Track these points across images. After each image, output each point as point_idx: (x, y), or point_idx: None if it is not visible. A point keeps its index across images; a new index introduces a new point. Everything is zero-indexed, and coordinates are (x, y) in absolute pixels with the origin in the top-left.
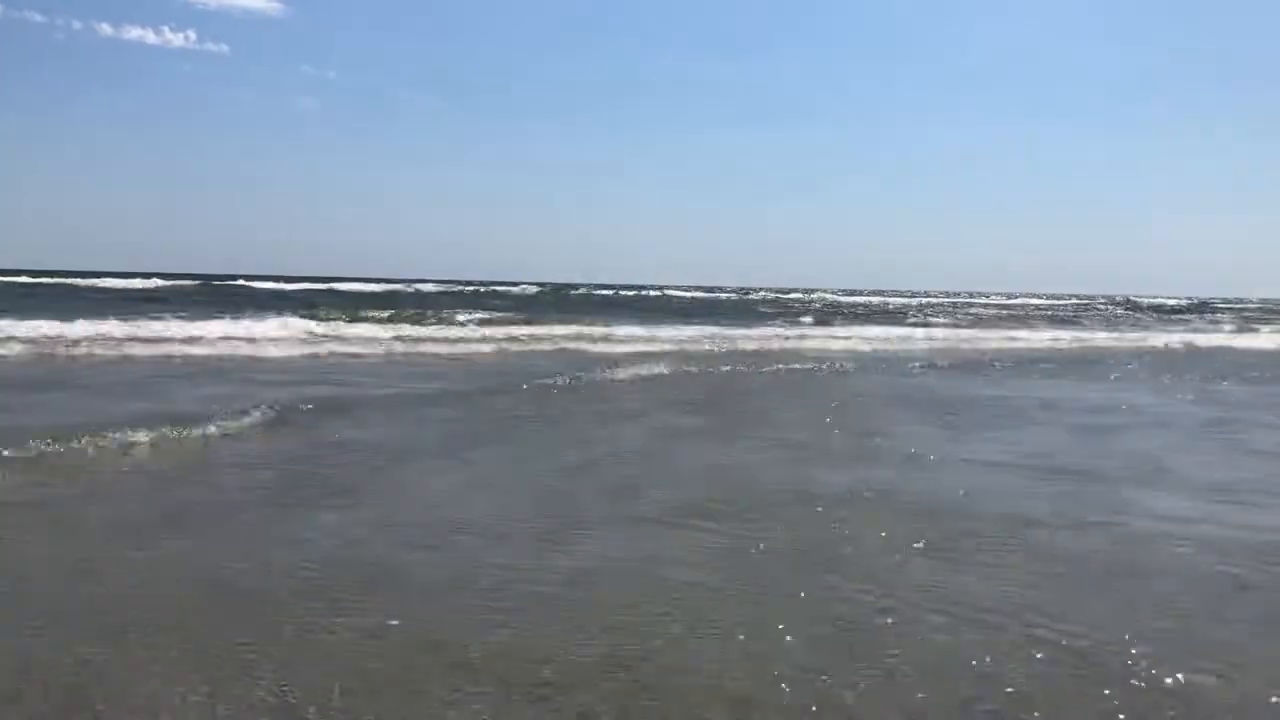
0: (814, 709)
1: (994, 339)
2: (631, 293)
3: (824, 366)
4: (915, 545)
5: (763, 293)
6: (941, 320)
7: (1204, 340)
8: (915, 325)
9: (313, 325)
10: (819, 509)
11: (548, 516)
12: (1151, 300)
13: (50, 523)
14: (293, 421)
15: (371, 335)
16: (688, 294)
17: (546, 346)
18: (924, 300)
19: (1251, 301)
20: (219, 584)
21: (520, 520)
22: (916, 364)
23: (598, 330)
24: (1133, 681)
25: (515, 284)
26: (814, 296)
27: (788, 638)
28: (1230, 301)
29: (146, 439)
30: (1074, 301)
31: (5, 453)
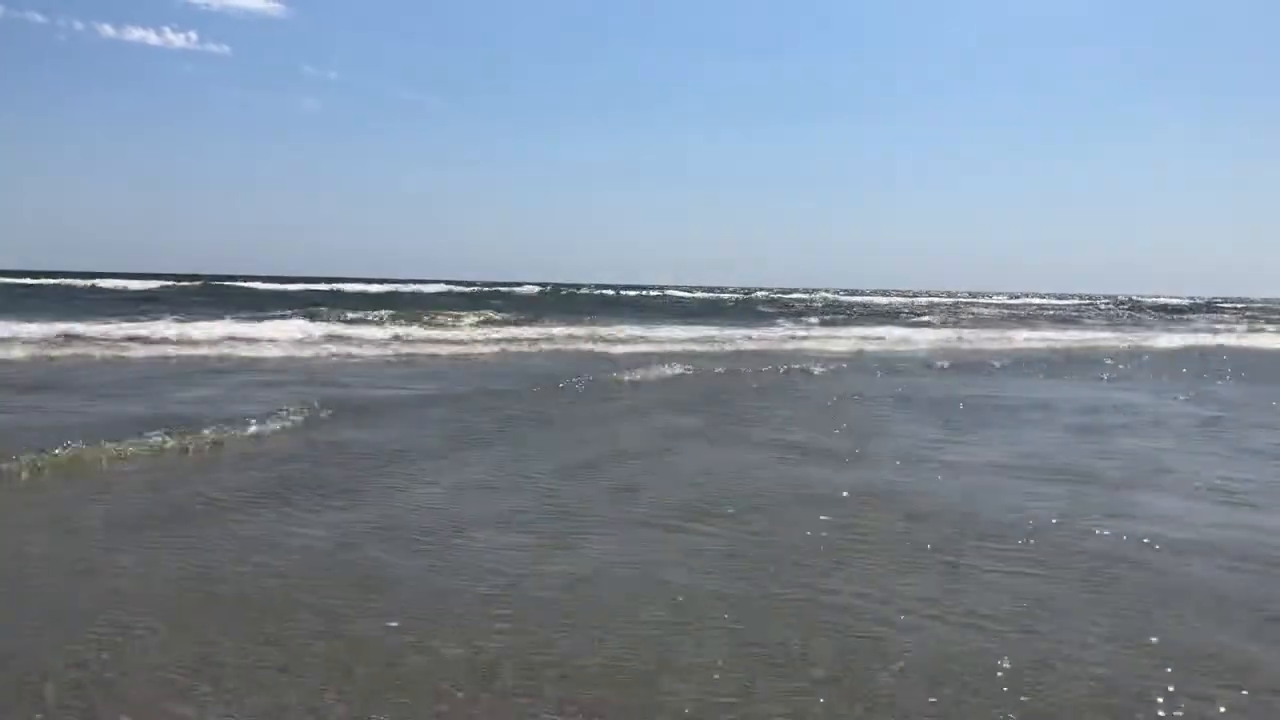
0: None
1: (1002, 339)
2: (633, 293)
3: (832, 367)
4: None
5: (762, 293)
6: (946, 320)
7: (1210, 340)
8: (920, 326)
9: (324, 326)
10: (847, 511)
11: (604, 517)
12: (1155, 300)
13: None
14: (327, 423)
15: (380, 336)
16: (688, 294)
17: (558, 348)
18: (928, 300)
19: (1255, 301)
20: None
21: (580, 520)
22: (926, 365)
23: (603, 331)
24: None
25: (517, 284)
26: (815, 296)
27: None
28: (1231, 301)
29: (210, 436)
30: (1076, 301)
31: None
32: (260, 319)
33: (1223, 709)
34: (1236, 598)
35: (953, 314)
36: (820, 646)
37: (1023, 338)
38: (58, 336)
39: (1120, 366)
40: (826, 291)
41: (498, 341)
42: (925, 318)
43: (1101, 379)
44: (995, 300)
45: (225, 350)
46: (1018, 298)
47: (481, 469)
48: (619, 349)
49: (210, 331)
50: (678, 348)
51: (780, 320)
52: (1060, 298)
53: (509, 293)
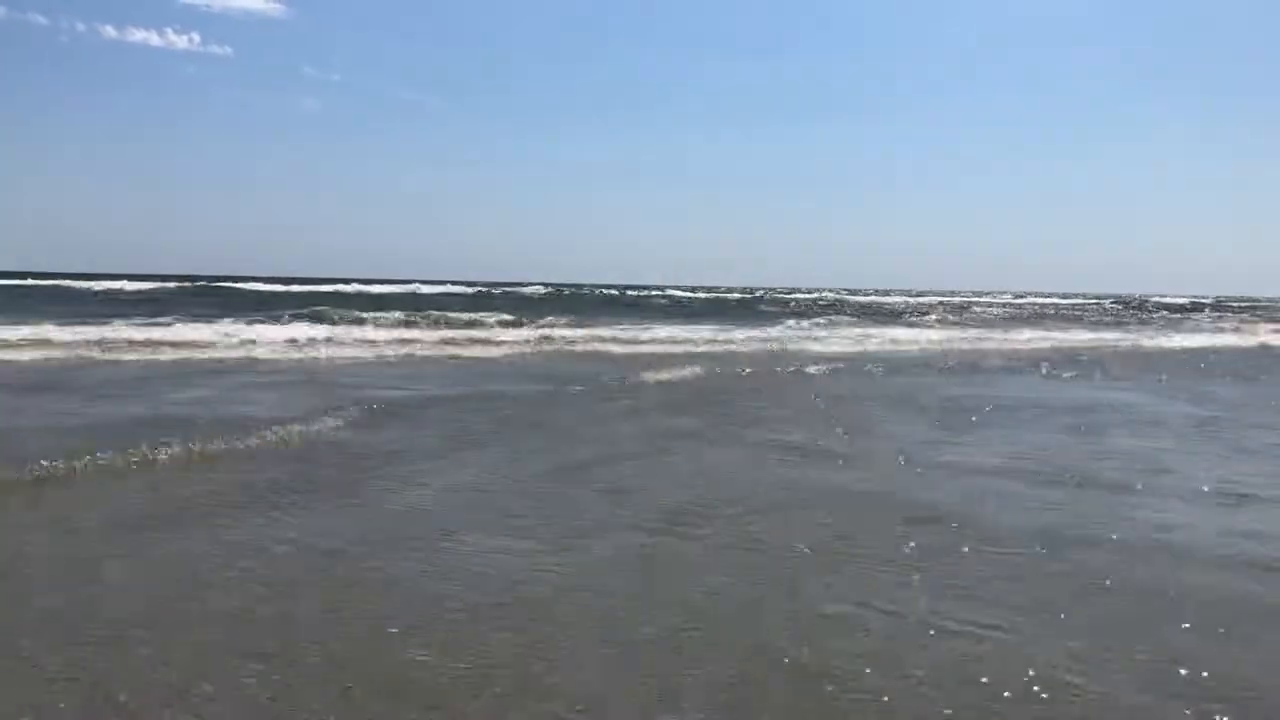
0: None
1: (1016, 339)
2: (636, 293)
3: (843, 367)
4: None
5: (762, 292)
6: (954, 320)
7: (1239, 340)
8: (927, 326)
9: (341, 329)
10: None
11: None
12: (1161, 299)
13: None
14: (371, 422)
15: (395, 338)
16: (692, 294)
17: (576, 349)
18: (935, 300)
19: (1261, 300)
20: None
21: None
22: (940, 366)
23: (619, 332)
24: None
25: (519, 284)
26: (818, 295)
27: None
28: (1235, 299)
29: (277, 433)
30: (1080, 300)
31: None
32: (276, 320)
33: None
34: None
35: (960, 313)
36: (825, 652)
37: (1031, 338)
38: (99, 341)
39: (1162, 374)
40: (829, 291)
41: (517, 343)
42: (931, 317)
43: (1139, 381)
44: (1002, 300)
45: (246, 353)
46: (1022, 297)
47: (566, 471)
48: (640, 349)
49: (227, 334)
50: (693, 349)
51: (787, 320)
52: (1065, 296)
53: (515, 293)
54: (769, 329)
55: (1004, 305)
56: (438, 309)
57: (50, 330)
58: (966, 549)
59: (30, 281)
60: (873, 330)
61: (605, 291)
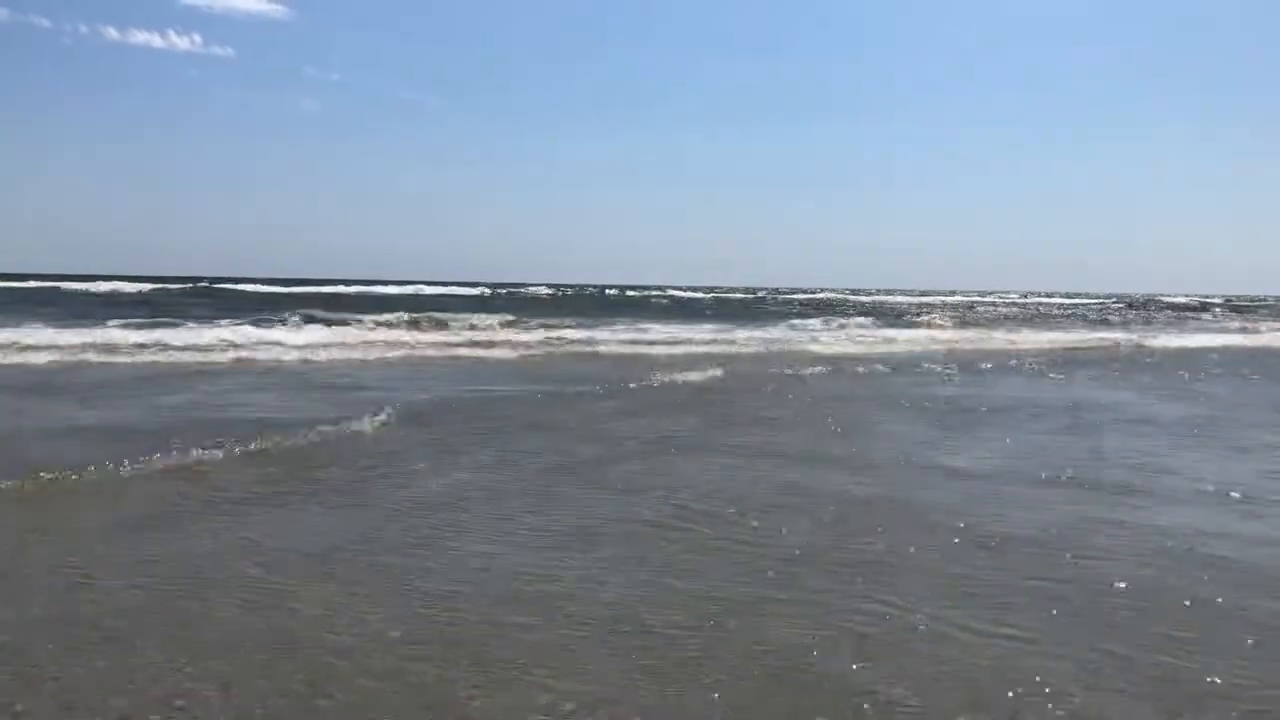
0: None
1: (1022, 340)
2: (634, 293)
3: (861, 369)
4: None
5: (763, 293)
6: (965, 320)
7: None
8: (934, 327)
9: (344, 331)
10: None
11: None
12: (1168, 299)
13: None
14: (417, 420)
15: (410, 339)
16: (691, 294)
17: (588, 351)
18: (938, 300)
19: (1267, 298)
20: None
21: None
22: (948, 366)
23: (612, 333)
24: None
25: (521, 285)
26: (821, 296)
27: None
28: (1240, 298)
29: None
30: (1083, 300)
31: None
32: (281, 322)
33: None
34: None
35: (963, 314)
36: (834, 656)
37: (1036, 339)
38: (134, 344)
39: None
40: (831, 291)
41: (533, 345)
42: (935, 317)
43: (1131, 380)
44: (1006, 299)
45: (255, 355)
46: (1027, 296)
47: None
48: (648, 351)
49: (224, 338)
50: (713, 350)
51: (790, 320)
52: (1069, 296)
53: (518, 294)
54: (771, 329)
55: (1009, 305)
56: (439, 310)
57: (68, 335)
58: (1010, 558)
59: (33, 284)
60: (880, 332)
61: (607, 292)
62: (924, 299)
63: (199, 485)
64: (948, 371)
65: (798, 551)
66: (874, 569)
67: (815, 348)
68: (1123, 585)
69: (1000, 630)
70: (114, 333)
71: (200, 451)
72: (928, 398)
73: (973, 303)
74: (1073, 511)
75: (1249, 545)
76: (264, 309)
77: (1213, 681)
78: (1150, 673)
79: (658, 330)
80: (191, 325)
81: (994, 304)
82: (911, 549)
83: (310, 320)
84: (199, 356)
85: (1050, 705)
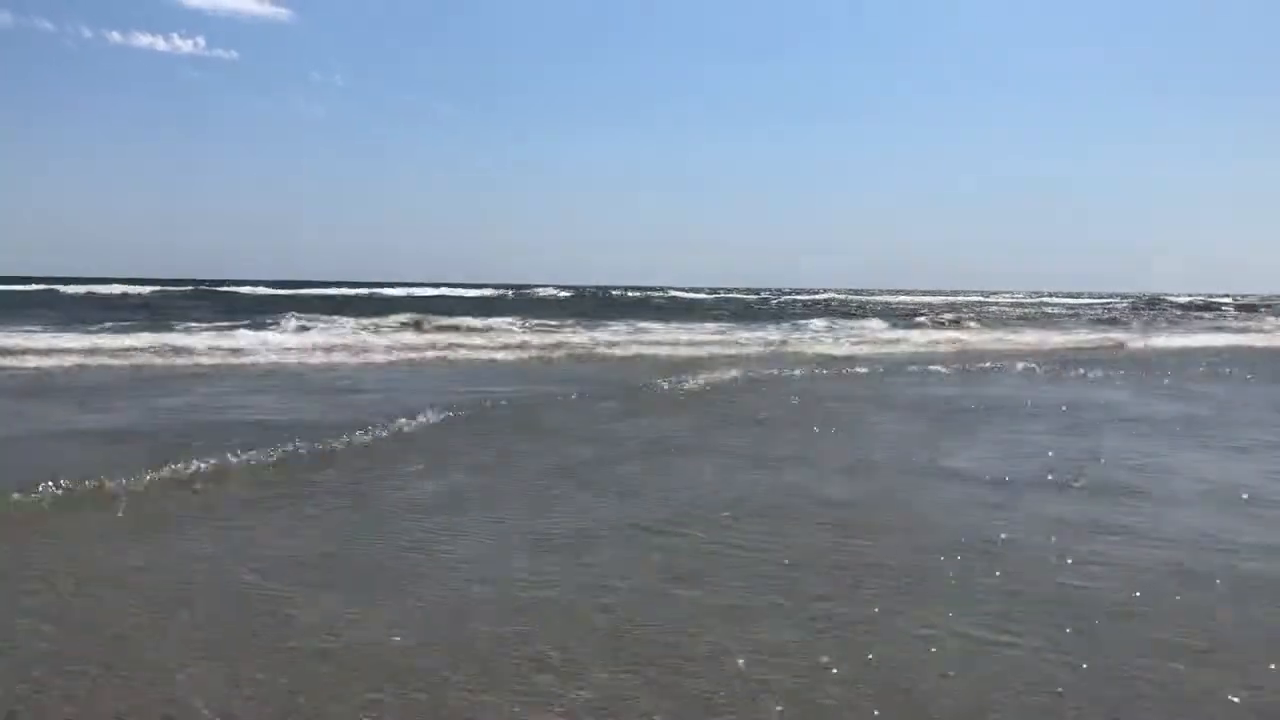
0: None
1: (1030, 341)
2: (640, 294)
3: (879, 369)
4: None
5: (765, 293)
6: (979, 322)
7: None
8: (934, 327)
9: (352, 334)
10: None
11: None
12: (1174, 298)
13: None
14: (467, 420)
15: (418, 341)
16: (696, 295)
17: (619, 353)
18: (941, 300)
19: (1274, 297)
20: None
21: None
22: (962, 367)
23: (615, 335)
24: None
25: (531, 287)
26: (825, 296)
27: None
28: (1250, 296)
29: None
30: (1087, 300)
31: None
32: (285, 326)
33: None
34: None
35: (973, 314)
36: (843, 662)
37: (1043, 339)
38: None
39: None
40: (835, 292)
41: (561, 347)
42: (942, 317)
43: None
44: (1009, 300)
45: (267, 359)
46: (1041, 296)
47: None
48: (665, 352)
49: (251, 339)
50: (727, 350)
51: (800, 321)
52: (1073, 295)
53: (527, 295)
54: (775, 331)
55: (1014, 304)
56: (439, 311)
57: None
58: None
59: (32, 286)
60: (884, 333)
61: (612, 293)
62: (927, 299)
63: (211, 491)
64: (952, 372)
65: (802, 556)
66: (876, 574)
67: (819, 349)
68: (1135, 594)
69: (1000, 638)
70: (109, 337)
71: (201, 464)
72: (930, 399)
73: (977, 302)
74: (1080, 514)
75: (1258, 552)
76: (266, 311)
77: (1231, 700)
78: (1163, 685)
79: (659, 331)
80: (184, 328)
81: (998, 304)
82: (917, 555)
83: (303, 327)
84: (192, 360)
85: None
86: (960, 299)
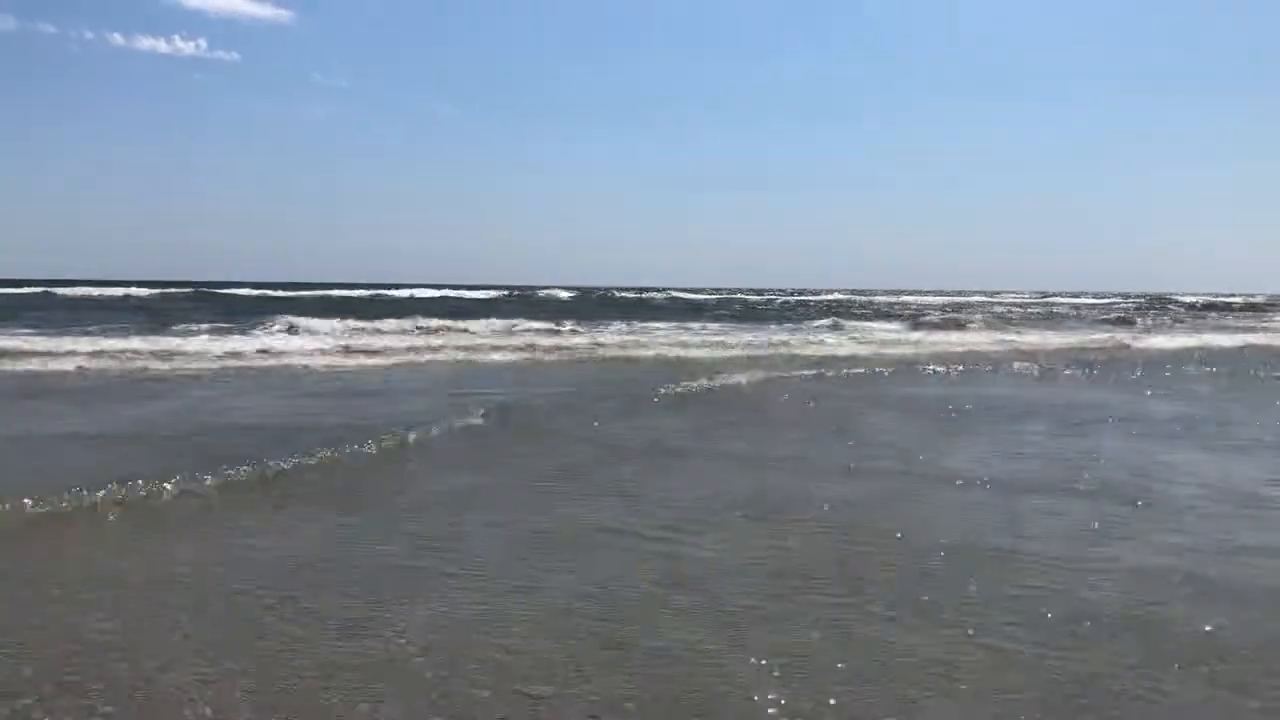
0: None
1: (1035, 340)
2: (637, 295)
3: (889, 371)
4: None
5: (768, 294)
6: (973, 321)
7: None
8: (941, 328)
9: (361, 337)
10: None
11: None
12: (1182, 298)
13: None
14: (511, 420)
15: (425, 344)
16: (698, 295)
17: (639, 354)
18: (947, 300)
19: None
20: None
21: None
22: (974, 367)
23: (619, 336)
24: None
25: (535, 288)
26: (829, 297)
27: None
28: (1257, 295)
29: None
30: (1090, 300)
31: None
32: (290, 328)
33: None
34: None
35: (978, 314)
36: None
37: (1049, 340)
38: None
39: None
40: (840, 292)
41: (564, 349)
42: (949, 317)
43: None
44: (1015, 300)
45: (277, 362)
46: (1047, 296)
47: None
48: (682, 353)
49: (250, 343)
50: (743, 352)
51: (805, 323)
52: (1075, 295)
53: (530, 296)
54: (780, 331)
55: (1021, 305)
56: (446, 313)
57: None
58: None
59: (27, 290)
60: (890, 334)
61: (640, 295)
62: (930, 299)
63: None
64: (956, 373)
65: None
66: (880, 579)
67: (823, 350)
68: (1141, 600)
69: (1001, 645)
70: (88, 341)
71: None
72: (934, 400)
73: (982, 303)
74: (1087, 517)
75: (1265, 559)
76: (266, 314)
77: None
78: (1167, 693)
79: (662, 332)
80: (181, 330)
81: (1003, 304)
82: (922, 560)
83: (292, 330)
84: (170, 365)
85: None
86: (964, 299)
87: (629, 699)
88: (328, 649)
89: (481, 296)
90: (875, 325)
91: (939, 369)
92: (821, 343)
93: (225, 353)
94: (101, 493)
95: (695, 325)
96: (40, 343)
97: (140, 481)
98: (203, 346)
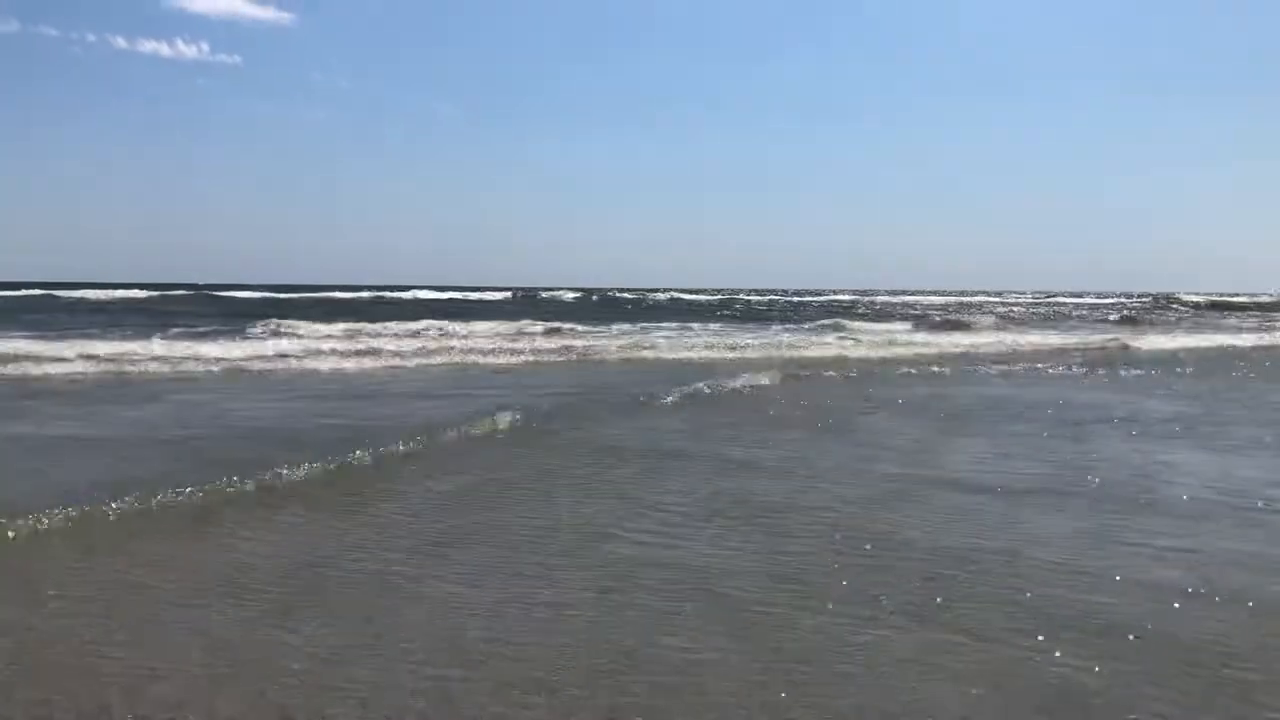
0: None
1: (1037, 340)
2: (639, 295)
3: (918, 371)
4: None
5: (771, 296)
6: (978, 322)
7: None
8: (947, 329)
9: (369, 340)
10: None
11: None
12: (1188, 297)
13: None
14: (540, 423)
15: (430, 346)
16: (700, 296)
17: (655, 355)
18: (950, 301)
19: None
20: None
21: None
22: (984, 367)
23: (620, 338)
24: None
25: (539, 289)
26: (832, 298)
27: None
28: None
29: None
30: (1093, 300)
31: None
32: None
33: None
34: None
35: (983, 314)
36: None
37: (1064, 340)
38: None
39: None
40: (847, 293)
41: (568, 350)
42: (955, 318)
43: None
44: (1018, 301)
45: (281, 365)
46: (1053, 296)
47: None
48: (684, 355)
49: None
50: (745, 354)
51: (815, 323)
52: (1077, 295)
53: (533, 297)
54: (784, 332)
55: (1024, 305)
56: (452, 316)
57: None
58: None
59: (26, 292)
60: (896, 335)
61: (644, 297)
62: (932, 299)
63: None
64: (963, 373)
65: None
66: (883, 583)
67: (828, 351)
68: (1146, 607)
69: (1002, 647)
70: (97, 344)
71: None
72: (934, 400)
73: (985, 303)
74: (1095, 521)
75: (1267, 562)
76: (268, 315)
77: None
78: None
79: (665, 332)
80: (172, 334)
81: (1006, 303)
82: (923, 562)
83: (291, 333)
84: (185, 367)
85: None
86: (968, 299)
87: (631, 704)
88: (325, 653)
89: (485, 298)
90: (878, 326)
91: (941, 369)
92: (825, 343)
93: (225, 355)
94: (112, 503)
95: (697, 326)
96: (40, 347)
97: (139, 487)
98: (203, 349)
